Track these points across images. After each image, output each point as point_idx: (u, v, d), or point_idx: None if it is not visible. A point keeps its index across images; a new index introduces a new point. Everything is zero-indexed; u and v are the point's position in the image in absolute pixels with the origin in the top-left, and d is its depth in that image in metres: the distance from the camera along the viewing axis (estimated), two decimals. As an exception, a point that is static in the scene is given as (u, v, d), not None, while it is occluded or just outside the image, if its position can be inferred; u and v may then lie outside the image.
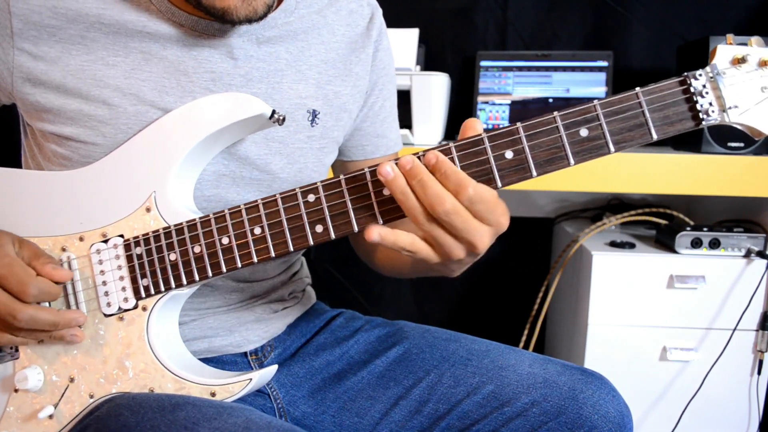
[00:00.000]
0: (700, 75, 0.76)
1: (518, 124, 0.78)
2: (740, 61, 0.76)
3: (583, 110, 0.77)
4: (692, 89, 0.76)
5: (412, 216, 0.77)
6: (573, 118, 0.78)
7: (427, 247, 0.79)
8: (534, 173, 0.79)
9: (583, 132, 0.77)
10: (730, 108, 0.76)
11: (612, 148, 0.77)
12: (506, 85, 1.96)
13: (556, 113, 0.78)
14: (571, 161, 0.78)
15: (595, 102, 0.77)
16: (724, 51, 0.77)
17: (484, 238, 0.77)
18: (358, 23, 1.08)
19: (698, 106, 0.76)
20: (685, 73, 0.76)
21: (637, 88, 0.77)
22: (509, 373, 1.00)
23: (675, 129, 0.77)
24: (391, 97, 1.18)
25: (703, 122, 0.76)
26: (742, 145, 1.61)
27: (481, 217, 0.76)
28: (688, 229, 1.66)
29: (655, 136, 0.77)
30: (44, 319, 0.85)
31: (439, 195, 0.74)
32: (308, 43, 1.01)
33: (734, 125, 0.78)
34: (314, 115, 1.02)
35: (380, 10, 1.13)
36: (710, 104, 0.76)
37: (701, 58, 1.62)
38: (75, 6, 0.89)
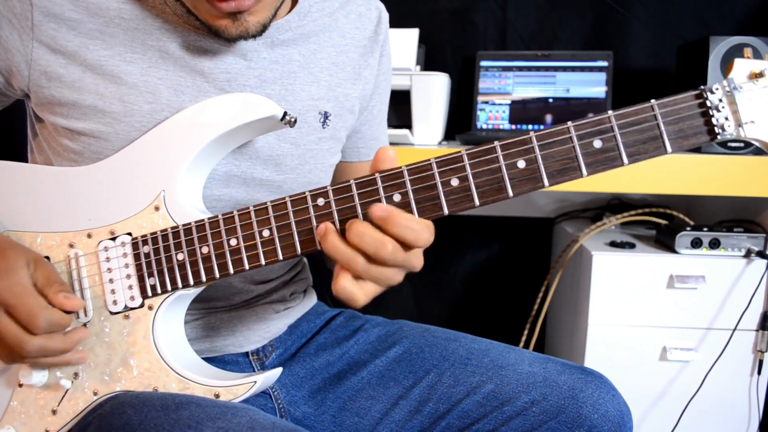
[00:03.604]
0: (717, 89, 0.75)
1: (531, 133, 0.78)
2: (758, 75, 0.75)
3: (598, 121, 0.77)
4: (708, 103, 0.75)
5: (354, 267, 0.78)
6: (587, 128, 0.77)
7: (374, 285, 0.80)
8: (546, 183, 0.78)
9: (597, 143, 0.77)
10: (746, 123, 0.75)
11: (626, 161, 0.77)
12: (506, 85, 1.96)
13: (570, 123, 0.77)
14: (584, 172, 0.77)
15: (610, 113, 0.77)
16: (742, 65, 0.76)
17: (420, 260, 0.81)
18: (366, 26, 1.09)
19: (714, 120, 0.75)
20: (702, 87, 0.76)
21: (653, 101, 0.76)
22: (509, 372, 1.00)
23: (690, 143, 0.76)
24: (386, 100, 1.19)
25: (719, 136, 0.75)
26: (742, 145, 1.61)
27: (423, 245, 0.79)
28: (688, 229, 1.66)
29: (669, 150, 0.76)
30: (53, 347, 0.83)
31: (380, 240, 0.76)
32: (320, 46, 1.02)
33: (750, 141, 0.77)
34: (325, 116, 1.02)
35: (386, 13, 1.14)
36: (726, 119, 0.75)
37: (701, 58, 1.63)
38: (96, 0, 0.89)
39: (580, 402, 0.95)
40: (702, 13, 2.03)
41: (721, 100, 0.75)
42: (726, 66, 1.59)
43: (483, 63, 1.99)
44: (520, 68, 1.96)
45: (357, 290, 0.78)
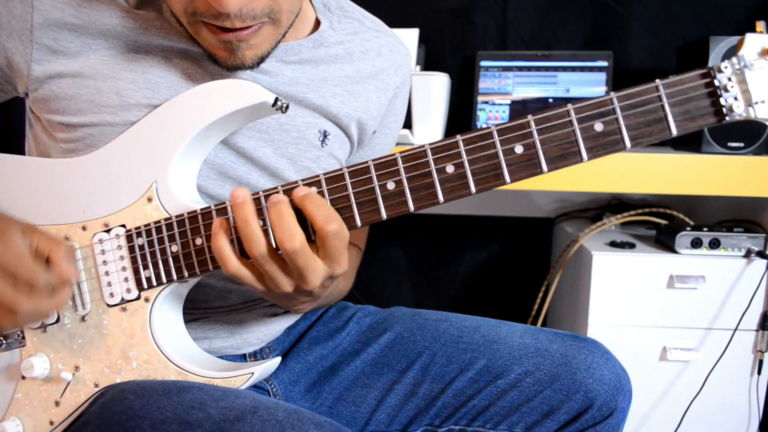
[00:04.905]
0: (726, 67, 0.72)
1: (529, 117, 0.75)
2: None
3: (599, 103, 0.74)
4: (716, 82, 0.72)
5: (251, 246, 0.77)
6: (588, 111, 0.74)
7: (255, 279, 0.81)
8: (545, 169, 0.76)
9: (598, 126, 0.74)
10: (756, 103, 0.72)
11: (628, 144, 0.74)
12: (506, 85, 1.96)
13: (570, 105, 0.75)
14: (584, 157, 0.75)
15: (612, 94, 0.74)
16: (753, 41, 0.72)
17: (318, 278, 0.79)
18: (383, 65, 1.08)
19: (722, 101, 0.72)
20: (709, 65, 0.72)
21: (657, 80, 0.73)
22: (500, 346, 1.01)
23: (696, 125, 0.73)
24: (393, 140, 1.19)
25: (727, 118, 0.72)
26: (742, 145, 1.61)
27: (330, 252, 0.78)
28: (688, 229, 1.66)
29: (674, 132, 0.73)
30: (44, 308, 0.82)
31: (293, 231, 0.76)
32: (329, 74, 1.01)
33: (761, 121, 0.73)
34: (325, 135, 1.02)
35: (410, 58, 1.14)
36: (735, 99, 0.72)
37: (701, 58, 1.63)
38: (99, 7, 0.90)
39: (573, 368, 0.96)
40: (702, 13, 2.03)
41: (730, 79, 0.72)
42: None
43: (483, 63, 1.98)
44: (520, 68, 1.96)
45: (230, 255, 0.79)
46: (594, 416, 0.95)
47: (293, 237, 0.76)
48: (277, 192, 0.82)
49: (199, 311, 1.01)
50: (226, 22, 0.79)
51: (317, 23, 1.03)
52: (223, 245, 0.79)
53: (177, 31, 0.91)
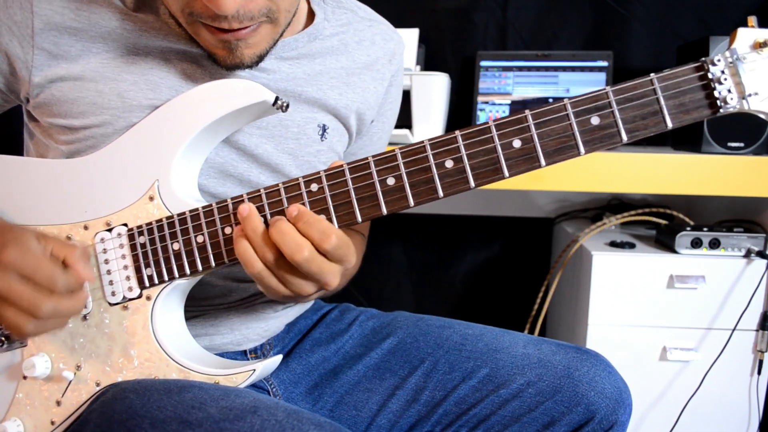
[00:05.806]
0: (719, 60, 0.73)
1: (527, 112, 0.77)
2: (762, 45, 0.73)
3: (595, 97, 0.76)
4: (710, 75, 0.73)
5: (264, 254, 0.80)
6: (584, 105, 0.76)
7: (279, 283, 0.82)
8: (543, 163, 0.77)
9: (595, 120, 0.75)
10: (750, 95, 0.73)
11: (624, 137, 0.75)
12: (506, 85, 1.96)
13: (566, 100, 0.76)
14: (582, 150, 0.76)
15: (608, 88, 0.75)
16: (745, 34, 0.74)
17: (336, 277, 0.82)
18: (377, 54, 1.09)
19: (716, 93, 0.73)
20: (703, 59, 0.74)
21: (652, 74, 0.74)
22: (503, 355, 1.01)
23: (691, 117, 0.74)
24: (390, 128, 1.20)
25: (721, 110, 0.74)
26: (742, 145, 1.61)
27: (336, 260, 0.80)
28: (688, 229, 1.66)
29: (670, 125, 0.75)
30: (65, 307, 0.81)
31: (299, 244, 0.78)
32: (326, 67, 1.02)
33: (754, 113, 0.75)
34: (324, 129, 1.02)
35: (403, 46, 1.15)
36: (729, 91, 0.73)
37: (701, 58, 1.63)
38: (98, 10, 0.90)
39: (575, 380, 0.95)
40: (702, 13, 2.03)
41: (723, 72, 0.73)
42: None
43: (483, 63, 1.98)
44: (520, 68, 1.96)
45: (254, 257, 0.80)
46: (594, 429, 0.95)
47: (301, 249, 0.77)
48: (278, 189, 0.83)
49: (199, 308, 1.01)
50: (224, 23, 0.80)
51: (310, 15, 1.04)
52: (246, 247, 0.80)
53: (175, 33, 0.92)
